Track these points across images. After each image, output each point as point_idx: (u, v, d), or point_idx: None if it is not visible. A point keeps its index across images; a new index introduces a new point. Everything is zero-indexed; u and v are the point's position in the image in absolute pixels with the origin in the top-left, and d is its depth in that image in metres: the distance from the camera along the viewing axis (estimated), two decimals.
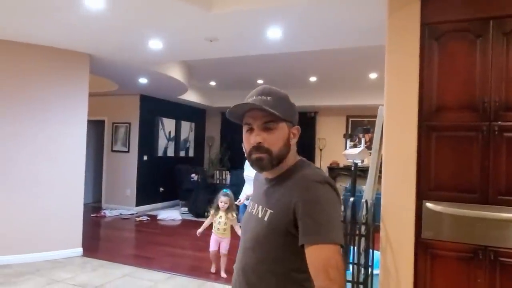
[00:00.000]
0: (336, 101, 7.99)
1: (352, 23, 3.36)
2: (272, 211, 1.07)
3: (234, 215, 4.02)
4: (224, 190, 4.06)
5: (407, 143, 2.45)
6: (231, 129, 9.30)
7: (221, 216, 4.01)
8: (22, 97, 4.30)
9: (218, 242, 4.06)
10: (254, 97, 1.11)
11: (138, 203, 7.80)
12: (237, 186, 7.25)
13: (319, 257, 0.94)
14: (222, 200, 3.97)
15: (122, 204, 7.84)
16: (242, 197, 4.02)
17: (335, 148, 8.48)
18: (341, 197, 1.14)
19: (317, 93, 7.97)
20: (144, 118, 7.90)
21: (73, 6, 3.15)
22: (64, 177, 4.55)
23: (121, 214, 7.40)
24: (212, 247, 4.09)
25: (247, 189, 4.06)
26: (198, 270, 4.28)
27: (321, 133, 8.75)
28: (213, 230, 4.09)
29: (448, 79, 2.39)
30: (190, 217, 7.44)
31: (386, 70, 2.55)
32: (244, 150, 2.89)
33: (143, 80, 6.35)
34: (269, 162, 1.08)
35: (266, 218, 1.07)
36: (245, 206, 3.83)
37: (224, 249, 4.05)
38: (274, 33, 3.69)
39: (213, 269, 4.14)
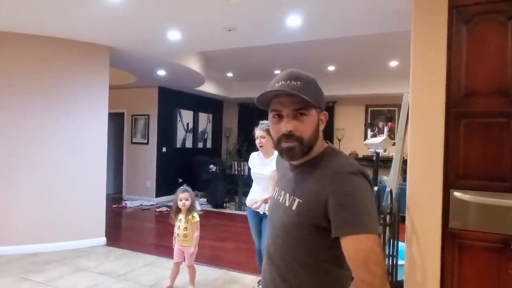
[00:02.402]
0: (355, 90, 7.87)
1: (376, 8, 3.27)
2: (300, 201, 1.03)
3: (196, 216, 3.23)
4: (182, 186, 3.29)
5: (434, 131, 2.38)
6: (249, 120, 9.28)
7: (181, 219, 3.22)
8: (47, 89, 4.40)
9: (182, 252, 3.27)
10: (282, 82, 1.04)
11: (158, 194, 7.91)
12: None
13: (357, 249, 0.90)
14: (182, 197, 3.17)
15: (142, 195, 7.97)
16: (258, 200, 3.05)
17: (354, 138, 8.37)
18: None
19: (335, 82, 7.85)
20: (162, 110, 7.97)
21: None
22: (88, 168, 4.64)
23: (141, 204, 7.53)
24: (174, 258, 3.31)
25: (258, 192, 3.17)
26: (218, 259, 4.31)
27: (339, 123, 8.65)
28: (174, 237, 3.32)
29: (477, 63, 2.30)
30: (209, 207, 7.50)
31: (412, 56, 2.48)
32: (256, 138, 2.85)
33: (161, 72, 6.38)
34: (299, 151, 1.04)
35: (294, 207, 1.04)
36: (255, 213, 3.18)
37: (189, 260, 3.26)
38: (294, 21, 3.63)
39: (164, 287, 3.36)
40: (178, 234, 3.23)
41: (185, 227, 3.20)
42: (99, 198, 4.76)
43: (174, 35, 4.18)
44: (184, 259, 3.29)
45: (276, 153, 2.94)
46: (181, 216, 3.23)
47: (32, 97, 4.32)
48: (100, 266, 3.95)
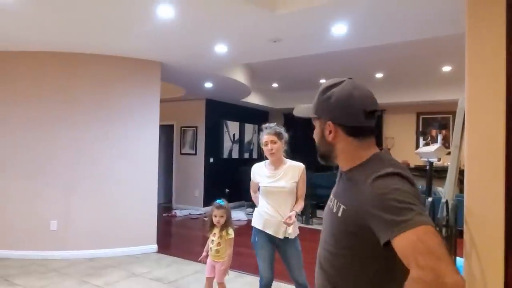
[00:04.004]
0: (405, 97, 7.59)
1: (426, 11, 3.15)
2: (345, 207, 1.04)
3: (231, 232, 2.99)
4: (218, 200, 3.03)
5: (493, 137, 2.23)
6: (294, 130, 9.25)
7: (215, 233, 3.01)
8: (106, 104, 4.73)
9: (213, 266, 3.07)
10: None
11: (206, 204, 8.09)
12: None
13: (404, 246, 0.84)
14: (216, 214, 2.96)
15: (191, 205, 8.19)
16: (291, 214, 2.57)
17: (405, 148, 8.04)
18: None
19: (383, 90, 7.62)
20: (209, 121, 8.20)
21: (147, 17, 3.37)
22: (141, 178, 4.89)
23: (190, 214, 7.74)
24: (206, 272, 3.10)
25: (271, 209, 2.66)
26: None
27: (388, 132, 8.36)
28: (205, 250, 3.13)
29: None
30: None
31: (467, 59, 2.35)
32: (265, 144, 2.95)
33: (208, 85, 6.59)
34: (319, 156, 1.16)
35: (339, 214, 1.05)
36: (269, 238, 2.69)
37: (219, 277, 3.04)
38: (339, 29, 3.60)
39: None
40: (211, 248, 3.03)
41: (218, 243, 2.98)
42: (151, 207, 4.97)
43: (221, 48, 4.31)
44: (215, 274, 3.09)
45: (289, 161, 2.72)
46: (215, 230, 3.01)
47: (92, 111, 4.66)
48: (153, 272, 4.11)
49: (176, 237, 6.31)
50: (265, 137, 2.64)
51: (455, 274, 0.77)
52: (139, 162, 4.88)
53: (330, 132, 1.07)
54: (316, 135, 1.13)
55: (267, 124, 2.71)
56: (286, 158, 2.77)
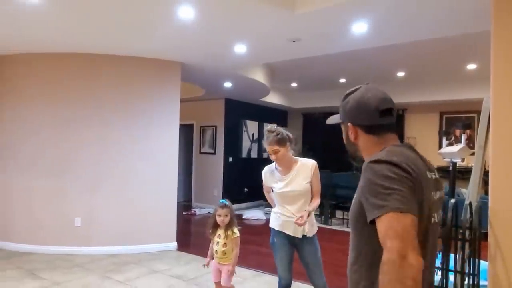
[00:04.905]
0: (428, 96, 7.42)
1: (450, 9, 3.08)
2: (356, 195, 1.13)
3: (236, 231, 2.90)
4: (221, 200, 3.00)
5: None
6: (313, 130, 9.21)
7: (219, 234, 2.91)
8: (127, 104, 4.82)
9: (220, 270, 2.96)
10: None
11: None
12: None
13: (380, 230, 0.95)
14: (221, 213, 2.87)
15: (210, 203, 8.26)
16: (303, 213, 2.49)
17: (427, 148, 7.85)
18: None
19: (405, 88, 7.49)
20: (228, 121, 8.25)
21: (168, 18, 3.42)
22: (161, 177, 4.97)
23: (209, 212, 7.80)
24: (213, 278, 3.01)
25: (290, 213, 2.59)
26: None
27: (410, 132, 8.20)
28: (209, 254, 3.03)
29: None
30: None
31: (492, 57, 2.29)
32: (270, 154, 2.86)
33: (227, 84, 6.63)
34: (349, 157, 1.27)
35: (353, 203, 1.14)
36: (287, 240, 2.63)
37: (225, 280, 2.92)
38: (359, 27, 3.56)
39: None
40: (216, 250, 2.92)
41: (224, 243, 2.89)
42: (171, 205, 5.05)
43: (240, 48, 4.33)
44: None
45: (300, 159, 2.62)
46: (220, 231, 2.93)
47: (114, 111, 4.76)
48: (172, 269, 4.17)
49: (195, 235, 6.38)
50: (267, 148, 2.57)
51: (416, 255, 0.90)
52: (159, 161, 4.96)
53: (352, 133, 1.21)
54: (344, 138, 1.26)
55: (268, 127, 2.61)
56: (296, 156, 2.67)
